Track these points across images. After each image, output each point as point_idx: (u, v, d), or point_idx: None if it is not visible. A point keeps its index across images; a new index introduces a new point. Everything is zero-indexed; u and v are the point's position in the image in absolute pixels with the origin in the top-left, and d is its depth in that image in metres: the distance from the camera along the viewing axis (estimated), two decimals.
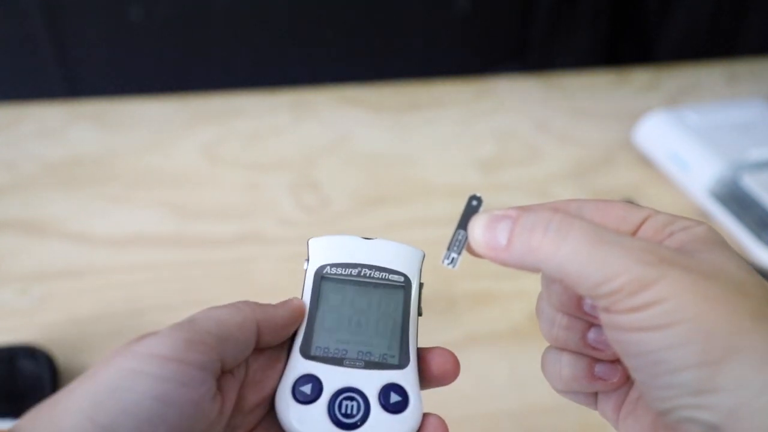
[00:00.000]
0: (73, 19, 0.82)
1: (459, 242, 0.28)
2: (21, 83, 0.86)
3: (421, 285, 0.32)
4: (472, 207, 0.28)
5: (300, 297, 0.32)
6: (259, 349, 0.30)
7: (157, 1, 0.82)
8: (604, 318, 0.24)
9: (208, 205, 0.66)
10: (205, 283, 0.58)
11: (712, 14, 0.98)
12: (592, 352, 0.29)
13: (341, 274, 0.32)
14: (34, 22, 0.81)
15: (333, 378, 0.30)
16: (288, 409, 0.29)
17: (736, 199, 0.66)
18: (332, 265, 0.32)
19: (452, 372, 0.30)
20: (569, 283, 0.24)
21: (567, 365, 0.29)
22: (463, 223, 0.28)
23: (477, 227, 0.26)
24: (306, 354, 0.30)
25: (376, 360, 0.30)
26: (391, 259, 0.32)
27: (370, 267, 0.32)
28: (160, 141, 0.74)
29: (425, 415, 0.30)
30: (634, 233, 0.27)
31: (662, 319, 0.22)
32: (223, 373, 0.28)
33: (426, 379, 0.31)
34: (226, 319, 0.28)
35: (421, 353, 0.31)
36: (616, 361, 0.28)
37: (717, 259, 0.24)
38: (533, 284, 0.55)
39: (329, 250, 0.33)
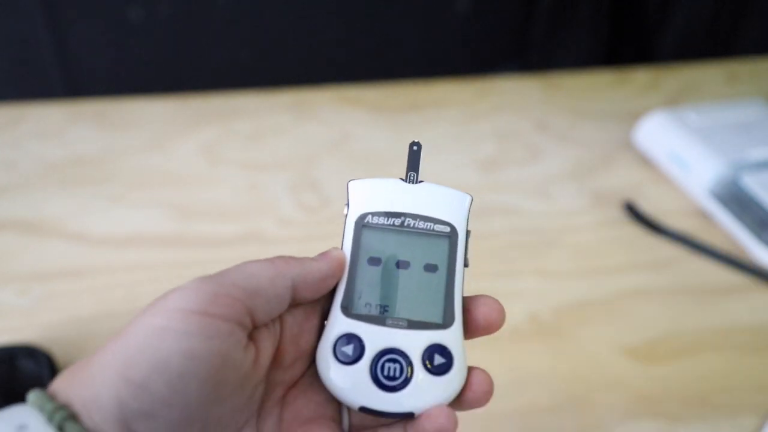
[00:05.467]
0: (73, 20, 0.82)
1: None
2: (21, 83, 0.86)
3: (468, 233, 0.31)
4: (413, 152, 0.32)
5: (340, 247, 0.31)
6: (294, 304, 0.29)
7: (157, 1, 0.82)
8: None
9: (208, 205, 0.66)
10: None
11: (712, 14, 0.98)
12: None
13: (384, 224, 0.31)
14: (34, 22, 0.81)
15: (375, 338, 0.29)
16: (329, 369, 0.29)
17: (736, 199, 0.66)
18: (374, 214, 0.31)
19: (498, 321, 0.30)
20: None
21: None
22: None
23: None
24: (347, 311, 0.29)
25: (420, 319, 0.29)
26: (437, 207, 0.31)
27: (414, 216, 0.31)
28: (160, 141, 0.74)
29: (469, 369, 0.29)
30: None
31: None
32: (256, 328, 0.28)
33: (470, 330, 0.30)
34: (257, 273, 0.28)
35: (465, 302, 0.30)
36: None
37: None
38: (533, 284, 0.55)
39: (371, 196, 0.31)
